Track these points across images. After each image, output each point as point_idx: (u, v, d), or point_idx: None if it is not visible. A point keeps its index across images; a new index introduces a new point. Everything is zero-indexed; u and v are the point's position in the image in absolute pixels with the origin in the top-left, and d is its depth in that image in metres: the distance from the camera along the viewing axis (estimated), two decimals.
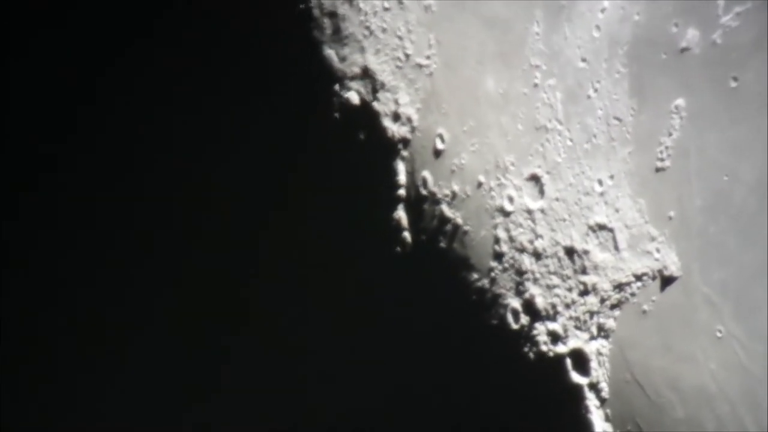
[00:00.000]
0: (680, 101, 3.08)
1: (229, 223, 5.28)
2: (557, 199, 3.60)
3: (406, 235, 4.38)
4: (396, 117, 4.30)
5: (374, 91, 4.38)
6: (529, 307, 3.79)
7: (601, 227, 3.42)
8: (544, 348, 3.73)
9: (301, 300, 5.22)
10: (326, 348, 5.19)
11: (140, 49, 5.12)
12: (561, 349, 3.66)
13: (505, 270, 3.87)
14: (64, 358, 5.65)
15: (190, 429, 5.72)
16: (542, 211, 3.67)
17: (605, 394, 3.49)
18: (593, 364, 3.53)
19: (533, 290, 3.76)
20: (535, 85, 3.63)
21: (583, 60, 3.41)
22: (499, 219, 3.86)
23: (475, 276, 4.03)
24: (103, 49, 5.12)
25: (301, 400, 5.40)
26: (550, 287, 3.69)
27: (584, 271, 3.52)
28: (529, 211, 3.73)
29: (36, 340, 5.62)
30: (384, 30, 4.26)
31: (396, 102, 4.29)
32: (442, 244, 4.17)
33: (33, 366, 5.68)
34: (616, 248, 3.37)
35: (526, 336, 3.81)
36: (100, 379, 5.67)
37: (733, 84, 2.92)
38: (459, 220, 4.07)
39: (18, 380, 5.65)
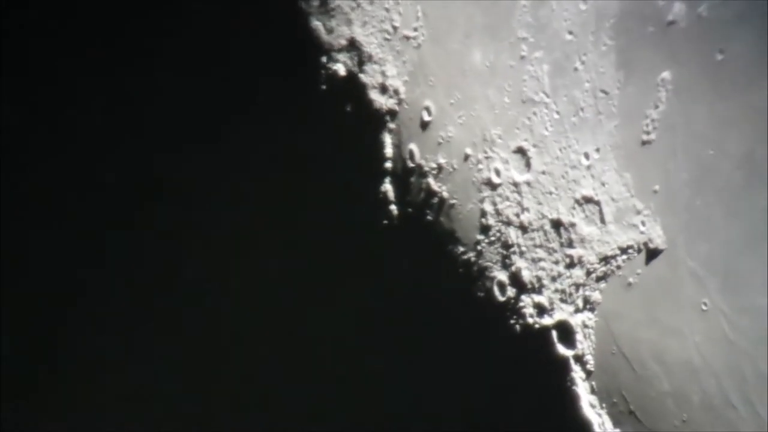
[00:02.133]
0: (666, 74, 3.07)
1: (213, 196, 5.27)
2: (544, 173, 3.60)
3: (393, 208, 4.38)
4: (383, 89, 4.29)
5: (361, 63, 4.37)
6: (516, 279, 3.80)
7: (588, 200, 3.42)
8: (530, 320, 3.74)
9: (283, 272, 5.22)
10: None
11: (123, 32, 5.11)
12: (547, 321, 3.67)
13: (491, 243, 3.88)
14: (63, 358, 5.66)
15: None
16: (529, 184, 3.67)
17: (591, 366, 3.50)
18: (579, 337, 3.54)
19: (519, 263, 3.76)
20: (522, 58, 3.62)
21: (570, 33, 3.40)
22: (486, 192, 3.86)
23: (462, 249, 4.03)
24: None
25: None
26: (536, 260, 3.69)
27: (570, 244, 3.53)
28: (516, 184, 3.73)
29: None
30: (371, 2, 4.25)
31: (383, 74, 4.28)
32: (429, 217, 4.17)
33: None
34: (603, 221, 3.38)
35: (512, 308, 3.82)
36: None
37: (720, 57, 2.92)
38: (445, 193, 4.07)
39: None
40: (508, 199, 3.78)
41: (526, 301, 3.75)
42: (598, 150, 3.35)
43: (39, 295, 5.50)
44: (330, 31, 4.46)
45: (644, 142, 3.17)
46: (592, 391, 3.50)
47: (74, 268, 5.52)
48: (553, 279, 3.62)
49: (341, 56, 4.46)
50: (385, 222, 4.44)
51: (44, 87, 5.22)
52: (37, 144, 5.31)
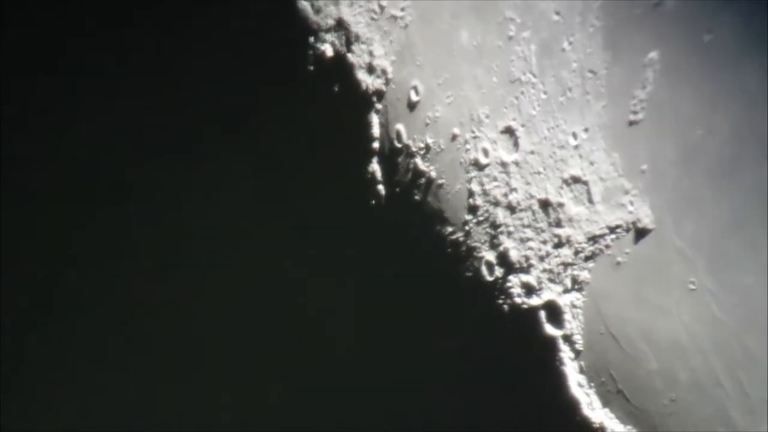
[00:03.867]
0: (654, 55, 3.07)
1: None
2: (532, 152, 3.60)
3: (381, 188, 4.38)
4: (370, 69, 4.28)
5: (348, 43, 4.36)
6: (504, 259, 3.81)
7: (576, 180, 3.43)
8: (518, 300, 3.74)
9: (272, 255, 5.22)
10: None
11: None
12: (535, 301, 3.68)
13: (479, 223, 3.88)
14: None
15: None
16: (517, 164, 3.67)
17: (579, 346, 3.51)
18: (567, 317, 3.55)
19: (507, 243, 3.77)
20: (510, 38, 3.62)
21: (557, 13, 3.40)
22: (474, 172, 3.86)
23: (450, 229, 4.03)
24: None
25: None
26: (524, 240, 3.70)
27: (558, 224, 3.53)
28: (504, 164, 3.73)
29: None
30: None
31: (370, 54, 4.27)
32: (417, 198, 4.17)
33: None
34: (591, 201, 3.38)
35: (500, 288, 3.83)
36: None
37: (707, 37, 2.92)
38: (433, 174, 4.07)
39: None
40: (495, 179, 3.78)
41: (514, 281, 3.76)
42: (586, 130, 3.36)
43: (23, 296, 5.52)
44: (318, 11, 4.45)
45: (632, 122, 3.18)
46: (581, 371, 3.51)
47: (73, 266, 5.53)
48: (541, 259, 3.63)
49: (329, 36, 4.45)
50: (373, 202, 4.44)
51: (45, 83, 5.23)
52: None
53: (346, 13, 4.32)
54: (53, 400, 5.70)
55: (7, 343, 5.56)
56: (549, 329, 3.61)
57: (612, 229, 3.32)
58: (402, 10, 4.08)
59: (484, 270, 3.90)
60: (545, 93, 3.50)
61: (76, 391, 5.68)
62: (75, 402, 5.68)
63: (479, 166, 3.83)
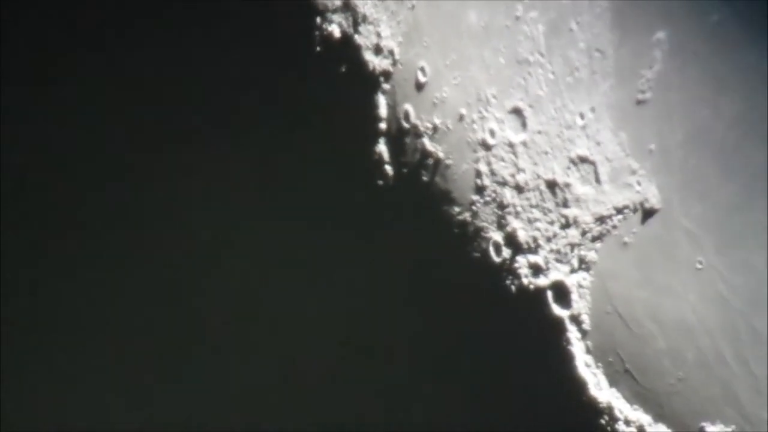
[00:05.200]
0: (662, 34, 3.07)
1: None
2: (539, 132, 3.60)
3: (388, 168, 4.38)
4: (378, 50, 4.28)
5: (356, 23, 4.35)
6: (511, 240, 3.81)
7: (583, 160, 3.43)
8: (525, 281, 3.75)
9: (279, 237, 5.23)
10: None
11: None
12: (542, 281, 3.68)
13: (486, 203, 3.88)
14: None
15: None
16: (524, 144, 3.67)
17: (586, 326, 3.51)
18: (574, 297, 3.55)
19: (515, 223, 3.77)
20: (517, 18, 3.62)
21: None
22: (481, 152, 3.86)
23: (457, 209, 4.04)
24: None
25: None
26: (531, 220, 3.70)
27: (566, 204, 3.53)
28: (511, 145, 3.73)
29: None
30: None
31: (378, 35, 4.27)
32: (424, 178, 4.17)
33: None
34: (598, 181, 3.38)
35: (507, 269, 3.83)
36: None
37: (715, 17, 2.92)
38: (441, 154, 4.07)
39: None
40: (503, 159, 3.78)
41: (522, 262, 3.76)
42: (593, 110, 3.35)
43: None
44: None
45: (639, 102, 3.18)
46: (588, 351, 3.52)
47: (74, 265, 5.53)
48: (549, 239, 3.63)
49: (336, 17, 4.45)
50: (380, 183, 4.44)
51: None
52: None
53: None
54: (53, 400, 5.71)
55: (7, 343, 5.57)
56: (556, 309, 3.62)
57: (619, 209, 3.32)
58: None
59: (491, 250, 3.91)
60: (553, 73, 3.50)
61: (76, 391, 5.70)
62: (75, 402, 5.69)
63: (486, 147, 3.83)
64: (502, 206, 3.82)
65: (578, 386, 3.54)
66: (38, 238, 5.57)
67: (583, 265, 3.50)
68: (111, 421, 5.68)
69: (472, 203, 3.95)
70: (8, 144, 5.33)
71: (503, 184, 3.78)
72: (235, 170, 5.37)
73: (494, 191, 3.84)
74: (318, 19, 4.50)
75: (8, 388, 5.58)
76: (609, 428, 3.42)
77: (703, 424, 3.08)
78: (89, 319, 5.62)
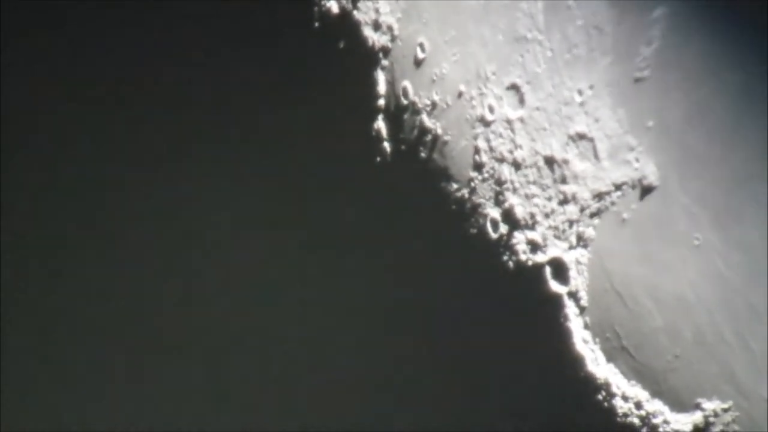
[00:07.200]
0: (661, 11, 3.07)
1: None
2: (537, 109, 3.60)
3: (386, 145, 4.38)
4: (376, 26, 4.27)
5: None
6: (509, 216, 3.81)
7: (581, 137, 3.43)
8: (523, 257, 3.75)
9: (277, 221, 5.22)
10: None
11: None
12: (540, 258, 3.69)
13: (484, 180, 3.88)
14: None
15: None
16: (522, 120, 3.67)
17: (584, 302, 3.52)
18: (572, 273, 3.56)
19: (513, 200, 3.77)
20: None
21: None
22: (480, 129, 3.86)
23: (455, 186, 4.04)
24: None
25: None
26: (529, 197, 3.70)
27: (564, 181, 3.54)
28: (509, 121, 3.73)
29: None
30: None
31: (377, 11, 4.26)
32: (423, 155, 4.17)
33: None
34: (596, 157, 3.38)
35: (505, 245, 3.84)
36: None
37: None
38: (439, 130, 4.07)
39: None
40: (501, 135, 3.78)
41: (519, 238, 3.77)
42: (591, 87, 3.35)
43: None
44: None
45: (638, 79, 3.17)
46: (585, 327, 3.53)
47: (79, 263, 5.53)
48: (547, 215, 3.64)
49: None
50: (378, 159, 4.44)
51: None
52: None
53: None
54: (53, 400, 5.72)
55: (7, 343, 5.58)
56: (554, 286, 3.62)
57: (618, 186, 3.32)
58: None
59: (489, 227, 3.91)
60: (551, 50, 3.50)
61: (76, 392, 5.71)
62: (75, 402, 5.70)
63: (485, 123, 3.83)
64: (500, 182, 3.82)
65: (576, 362, 3.55)
66: (38, 239, 5.57)
67: (581, 241, 3.51)
68: (111, 421, 5.69)
69: (470, 179, 3.95)
70: (8, 144, 5.32)
71: (501, 160, 3.78)
72: (233, 152, 5.37)
73: (492, 167, 3.84)
74: None
75: (8, 388, 5.59)
76: (606, 404, 3.43)
77: (700, 400, 3.09)
78: (89, 319, 5.63)
